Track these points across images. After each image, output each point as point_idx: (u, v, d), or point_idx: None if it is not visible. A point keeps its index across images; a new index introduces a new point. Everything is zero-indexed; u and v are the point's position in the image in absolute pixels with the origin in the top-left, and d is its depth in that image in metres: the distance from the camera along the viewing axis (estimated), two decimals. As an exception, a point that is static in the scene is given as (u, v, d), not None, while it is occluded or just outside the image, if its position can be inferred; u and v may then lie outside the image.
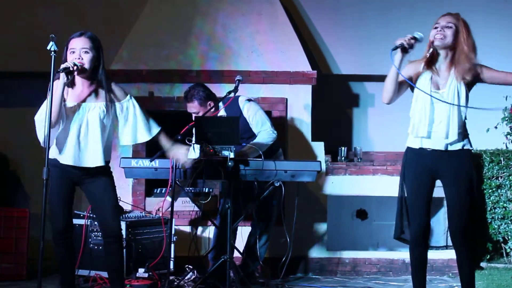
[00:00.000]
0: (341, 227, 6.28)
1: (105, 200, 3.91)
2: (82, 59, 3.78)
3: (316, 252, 5.85)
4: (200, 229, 5.75)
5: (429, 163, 3.81)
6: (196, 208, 5.44)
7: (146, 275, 4.95)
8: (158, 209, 5.24)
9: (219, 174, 4.70)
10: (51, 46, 3.60)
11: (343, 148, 6.08)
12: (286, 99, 5.97)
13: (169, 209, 4.80)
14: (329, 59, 6.65)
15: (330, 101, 6.52)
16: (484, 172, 5.70)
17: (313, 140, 5.96)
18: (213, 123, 4.77)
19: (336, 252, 5.85)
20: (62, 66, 3.70)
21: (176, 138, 4.53)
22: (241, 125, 4.86)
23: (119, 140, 4.02)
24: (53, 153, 3.79)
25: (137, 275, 4.94)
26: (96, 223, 4.93)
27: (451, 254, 5.23)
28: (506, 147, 5.89)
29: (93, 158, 3.84)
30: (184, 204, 5.81)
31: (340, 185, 5.91)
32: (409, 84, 3.82)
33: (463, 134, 3.81)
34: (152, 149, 5.60)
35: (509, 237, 5.68)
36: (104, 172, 3.92)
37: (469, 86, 3.79)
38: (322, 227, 5.87)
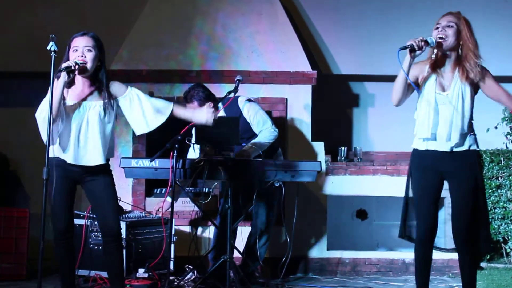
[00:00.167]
0: (341, 227, 6.27)
1: (105, 198, 3.91)
2: (85, 57, 3.78)
3: (316, 252, 5.84)
4: (200, 229, 5.75)
5: (435, 164, 3.81)
6: (196, 208, 5.43)
7: (146, 275, 4.94)
8: (158, 209, 5.23)
9: (219, 174, 4.71)
10: (51, 46, 3.60)
11: (343, 148, 6.08)
12: (286, 99, 5.97)
13: (169, 209, 4.79)
14: (329, 59, 6.65)
15: (330, 101, 6.52)
16: (484, 172, 5.69)
17: (313, 140, 5.95)
18: (213, 123, 4.76)
19: (336, 252, 5.85)
20: (64, 65, 3.69)
21: (176, 138, 4.54)
22: (241, 125, 4.87)
23: (135, 131, 3.99)
24: (56, 152, 3.79)
25: (137, 275, 4.94)
26: (96, 223, 4.93)
27: (451, 254, 5.23)
28: (506, 147, 5.89)
29: (94, 156, 3.84)
30: (184, 204, 5.80)
31: (340, 185, 5.91)
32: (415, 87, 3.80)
33: (469, 135, 3.80)
34: (152, 149, 5.61)
35: (509, 237, 5.68)
36: (104, 170, 3.92)
37: (475, 88, 3.78)
38: (322, 227, 5.86)
